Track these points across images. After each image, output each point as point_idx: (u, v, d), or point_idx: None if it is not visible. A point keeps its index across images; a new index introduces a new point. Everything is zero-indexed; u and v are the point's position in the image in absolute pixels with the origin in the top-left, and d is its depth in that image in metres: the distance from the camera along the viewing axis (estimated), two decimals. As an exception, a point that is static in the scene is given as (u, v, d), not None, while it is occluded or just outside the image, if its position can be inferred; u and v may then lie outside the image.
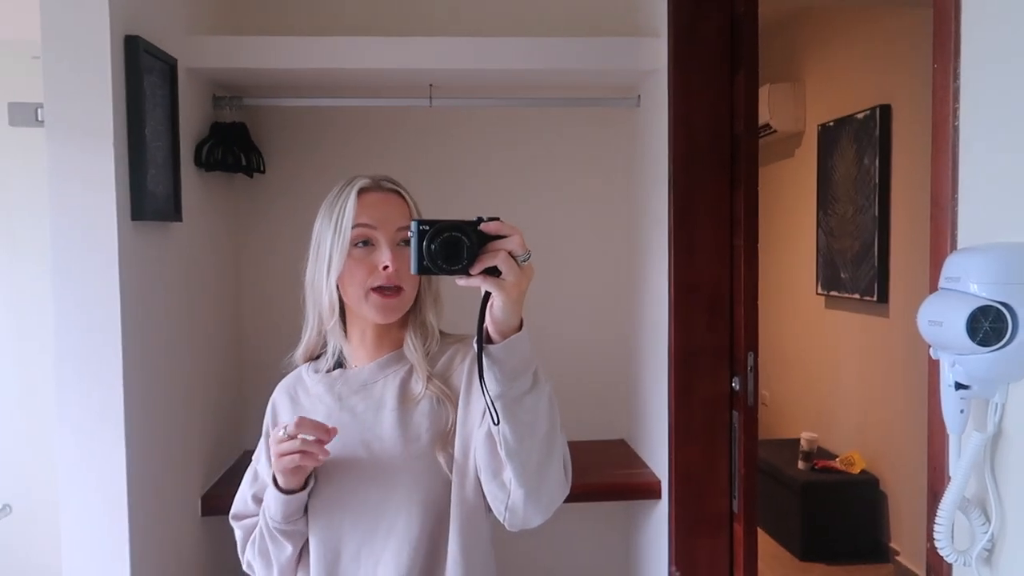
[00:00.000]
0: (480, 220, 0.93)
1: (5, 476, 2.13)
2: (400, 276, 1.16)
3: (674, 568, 1.92)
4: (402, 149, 2.36)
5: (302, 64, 1.96)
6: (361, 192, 1.18)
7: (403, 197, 1.22)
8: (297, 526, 1.19)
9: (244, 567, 1.29)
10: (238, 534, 1.30)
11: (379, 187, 1.20)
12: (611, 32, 2.24)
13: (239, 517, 1.29)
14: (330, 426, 1.13)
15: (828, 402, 4.20)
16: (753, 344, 1.86)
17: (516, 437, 1.01)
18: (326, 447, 1.13)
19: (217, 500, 1.97)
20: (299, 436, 1.09)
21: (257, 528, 1.24)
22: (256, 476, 1.28)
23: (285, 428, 1.10)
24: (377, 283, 1.16)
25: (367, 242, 1.17)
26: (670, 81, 1.91)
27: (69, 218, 1.53)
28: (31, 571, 2.17)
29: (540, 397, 1.01)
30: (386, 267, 1.15)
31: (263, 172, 2.24)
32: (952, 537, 0.95)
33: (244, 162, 2.14)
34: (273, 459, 1.13)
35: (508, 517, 1.10)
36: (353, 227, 1.15)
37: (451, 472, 1.15)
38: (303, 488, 1.16)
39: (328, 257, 1.16)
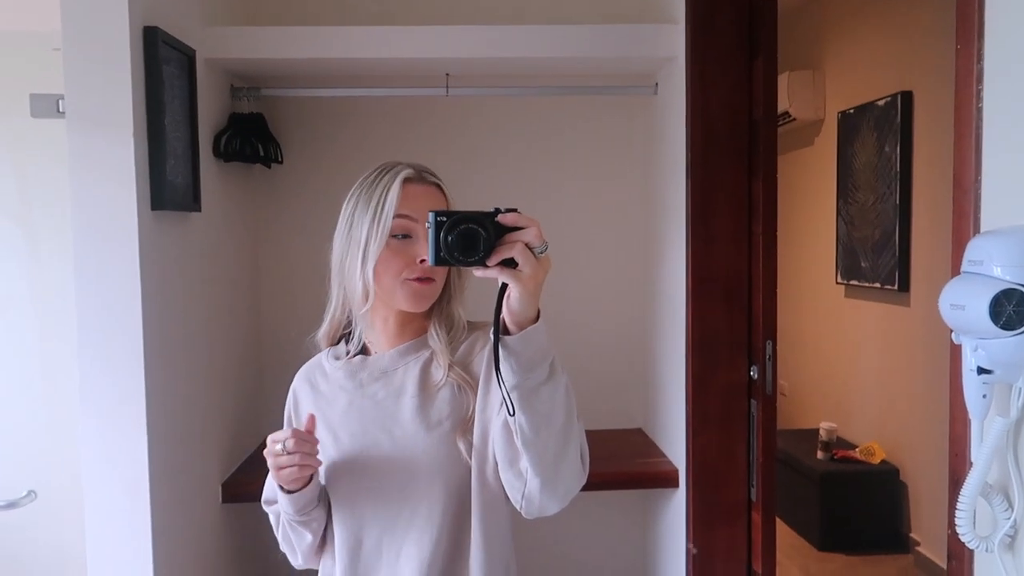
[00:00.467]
0: (497, 211, 0.93)
1: (29, 463, 2.16)
2: (434, 270, 1.17)
3: (691, 545, 1.92)
4: (419, 139, 2.36)
5: (319, 54, 1.96)
6: (405, 182, 1.16)
7: (443, 192, 1.22)
8: (312, 516, 1.20)
9: (281, 546, 1.31)
10: (271, 518, 1.31)
11: (422, 179, 1.19)
12: (628, 19, 2.23)
13: (269, 502, 1.31)
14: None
15: (848, 392, 4.17)
16: (771, 332, 1.84)
17: (532, 428, 1.01)
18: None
19: (237, 487, 1.98)
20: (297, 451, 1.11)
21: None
22: None
23: (284, 444, 1.11)
24: (414, 276, 1.16)
25: (406, 235, 1.16)
26: (688, 68, 1.90)
27: (90, 208, 1.54)
28: (56, 556, 2.21)
29: (557, 388, 1.00)
30: (423, 260, 1.15)
31: (281, 162, 2.25)
32: (974, 523, 0.94)
33: (262, 153, 2.15)
34: (272, 473, 1.15)
35: (524, 505, 1.10)
36: (395, 217, 1.14)
37: (471, 458, 1.15)
38: (308, 483, 1.17)
39: (364, 243, 1.15)
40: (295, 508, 1.18)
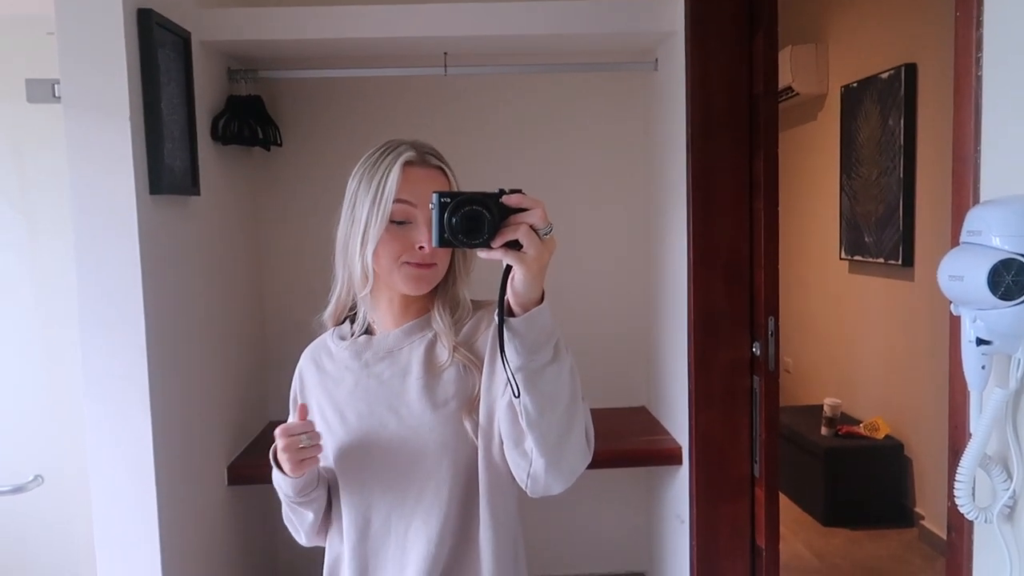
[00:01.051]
0: (502, 192, 0.91)
1: (35, 448, 2.18)
2: (435, 254, 1.16)
3: (680, 516, 1.96)
4: (418, 119, 2.35)
5: (315, 34, 1.95)
6: (406, 165, 1.15)
7: (447, 175, 1.20)
8: (312, 496, 1.21)
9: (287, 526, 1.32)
10: (279, 495, 1.32)
11: (425, 162, 1.17)
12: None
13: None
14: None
15: (852, 368, 4.17)
16: (773, 308, 1.84)
17: (537, 408, 1.01)
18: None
19: (243, 470, 2.00)
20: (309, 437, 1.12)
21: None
22: None
23: (307, 437, 1.12)
24: (412, 260, 1.15)
25: (406, 221, 1.15)
26: (688, 43, 1.88)
27: (89, 193, 1.54)
28: (64, 540, 2.23)
29: (561, 369, 1.00)
30: (422, 247, 1.14)
31: (280, 145, 2.25)
32: (973, 494, 0.94)
33: (261, 135, 2.14)
34: (292, 466, 1.14)
35: (530, 484, 1.10)
36: (394, 201, 1.13)
37: (477, 438, 1.15)
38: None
39: (364, 227, 1.14)
40: (295, 490, 1.18)
